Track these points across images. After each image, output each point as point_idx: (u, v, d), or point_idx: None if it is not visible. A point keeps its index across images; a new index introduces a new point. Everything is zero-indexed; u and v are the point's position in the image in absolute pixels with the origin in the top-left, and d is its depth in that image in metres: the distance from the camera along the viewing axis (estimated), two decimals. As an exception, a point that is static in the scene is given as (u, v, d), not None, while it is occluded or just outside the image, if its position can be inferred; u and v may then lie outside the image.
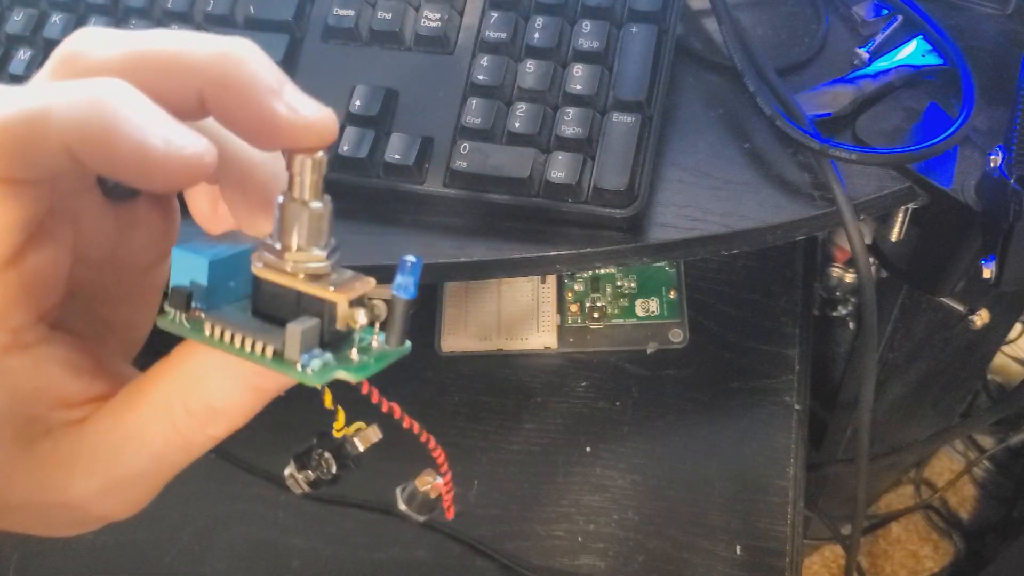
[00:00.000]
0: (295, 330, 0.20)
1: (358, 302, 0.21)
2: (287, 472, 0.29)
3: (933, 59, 0.44)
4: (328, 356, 0.21)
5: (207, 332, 0.21)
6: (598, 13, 0.43)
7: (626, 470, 0.54)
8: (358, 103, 0.42)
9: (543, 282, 0.59)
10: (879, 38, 0.45)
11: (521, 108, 0.41)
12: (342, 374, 0.21)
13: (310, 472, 0.31)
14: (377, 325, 0.21)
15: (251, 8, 0.45)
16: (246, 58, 0.20)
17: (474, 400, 0.57)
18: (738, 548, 0.51)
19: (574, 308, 0.59)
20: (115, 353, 0.24)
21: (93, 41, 0.20)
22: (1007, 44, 0.45)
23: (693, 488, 0.53)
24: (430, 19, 0.43)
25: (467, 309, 0.59)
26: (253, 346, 0.21)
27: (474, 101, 0.42)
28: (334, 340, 0.21)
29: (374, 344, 0.21)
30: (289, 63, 0.44)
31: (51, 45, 0.45)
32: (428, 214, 0.42)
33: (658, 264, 0.59)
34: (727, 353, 0.57)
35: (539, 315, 0.58)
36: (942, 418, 0.76)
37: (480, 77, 0.42)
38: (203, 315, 0.22)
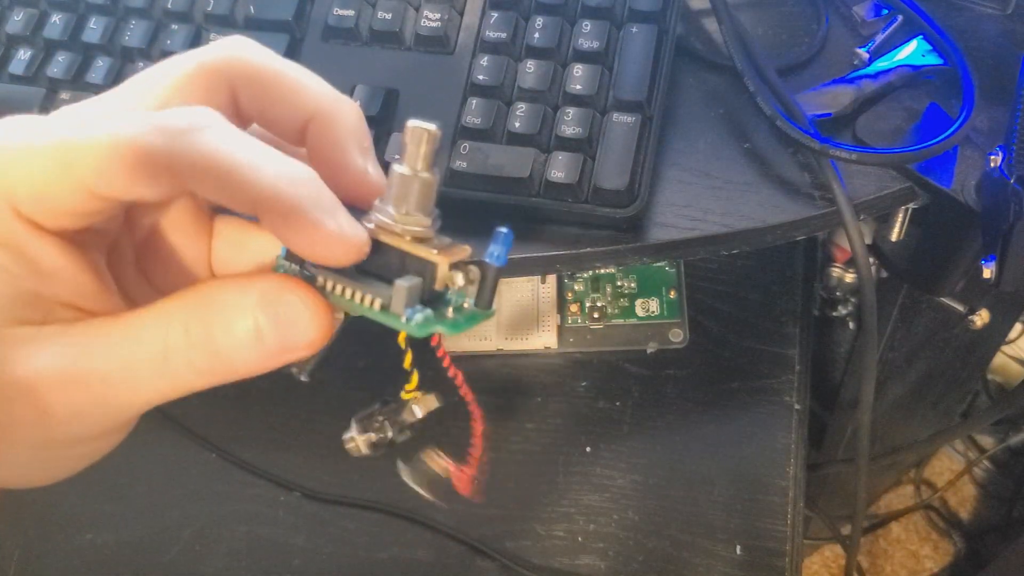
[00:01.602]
0: (401, 287, 0.22)
1: (456, 266, 0.23)
2: (347, 436, 0.29)
3: (933, 59, 0.44)
4: (429, 312, 0.23)
5: (319, 282, 0.23)
6: (598, 13, 0.43)
7: (626, 470, 0.54)
8: (358, 103, 0.42)
9: (543, 282, 0.59)
10: (879, 38, 0.45)
11: (521, 108, 0.41)
12: (441, 328, 0.23)
13: (372, 435, 0.32)
14: (469, 289, 0.24)
15: (251, 8, 0.45)
16: (352, 112, 0.25)
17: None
18: (738, 548, 0.51)
19: (574, 308, 0.59)
20: None
21: (249, 48, 0.24)
22: (1007, 44, 0.45)
23: (693, 488, 0.53)
24: (430, 19, 0.43)
25: (467, 309, 0.59)
26: (363, 299, 0.23)
27: (474, 101, 0.42)
28: (431, 299, 0.24)
29: (466, 305, 0.24)
30: (289, 63, 0.44)
31: (51, 45, 0.45)
32: (428, 214, 0.42)
33: (658, 264, 0.59)
34: (727, 353, 0.57)
35: (539, 315, 0.58)
36: (942, 418, 0.76)
37: (480, 77, 0.42)
38: (315, 268, 0.23)
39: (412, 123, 0.23)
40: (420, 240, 0.23)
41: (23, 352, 0.21)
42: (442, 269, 0.23)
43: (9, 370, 0.21)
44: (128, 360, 0.21)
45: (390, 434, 0.32)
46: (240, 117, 0.24)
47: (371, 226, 0.23)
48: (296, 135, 0.25)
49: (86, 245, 0.23)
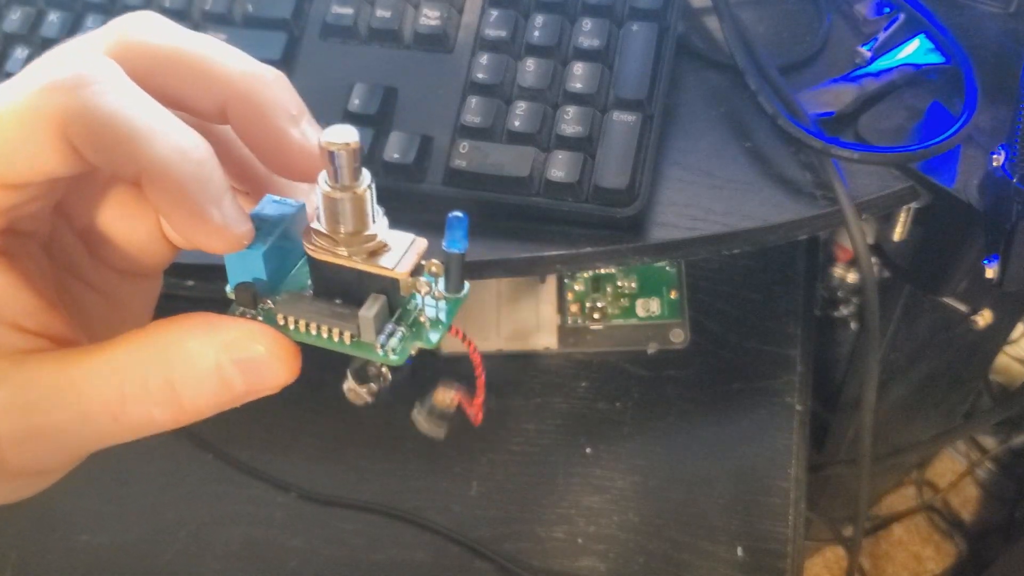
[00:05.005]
0: (367, 317, 0.21)
1: (418, 268, 0.22)
2: (347, 387, 0.29)
3: (935, 57, 0.44)
4: (402, 331, 0.22)
5: (280, 322, 0.22)
6: (599, 11, 0.43)
7: (626, 471, 0.54)
8: (357, 101, 0.42)
9: (543, 282, 0.59)
10: (881, 36, 0.45)
11: (521, 107, 0.41)
12: (419, 344, 0.22)
13: (372, 384, 0.32)
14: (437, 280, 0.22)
15: (249, 6, 0.44)
16: (273, 82, 0.22)
17: (474, 400, 0.57)
18: (739, 549, 0.51)
19: (574, 308, 0.59)
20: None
21: (150, 28, 0.21)
22: (1010, 43, 0.45)
23: (694, 489, 0.53)
24: (429, 17, 0.43)
25: (467, 309, 0.59)
26: (329, 333, 0.22)
27: (473, 99, 0.41)
28: (402, 304, 0.22)
29: (437, 295, 0.22)
30: (287, 61, 0.44)
31: (48, 44, 0.45)
32: (427, 213, 0.42)
33: (659, 264, 0.59)
34: (728, 354, 0.57)
35: (539, 315, 0.58)
36: (944, 419, 0.75)
37: (480, 75, 0.42)
38: (273, 304, 0.22)
39: (326, 139, 0.20)
40: (372, 254, 0.21)
41: None
42: (404, 281, 0.22)
43: None
44: (83, 413, 0.20)
45: (390, 378, 0.32)
46: None
47: (315, 249, 0.21)
48: (217, 118, 0.22)
49: (15, 254, 0.21)
